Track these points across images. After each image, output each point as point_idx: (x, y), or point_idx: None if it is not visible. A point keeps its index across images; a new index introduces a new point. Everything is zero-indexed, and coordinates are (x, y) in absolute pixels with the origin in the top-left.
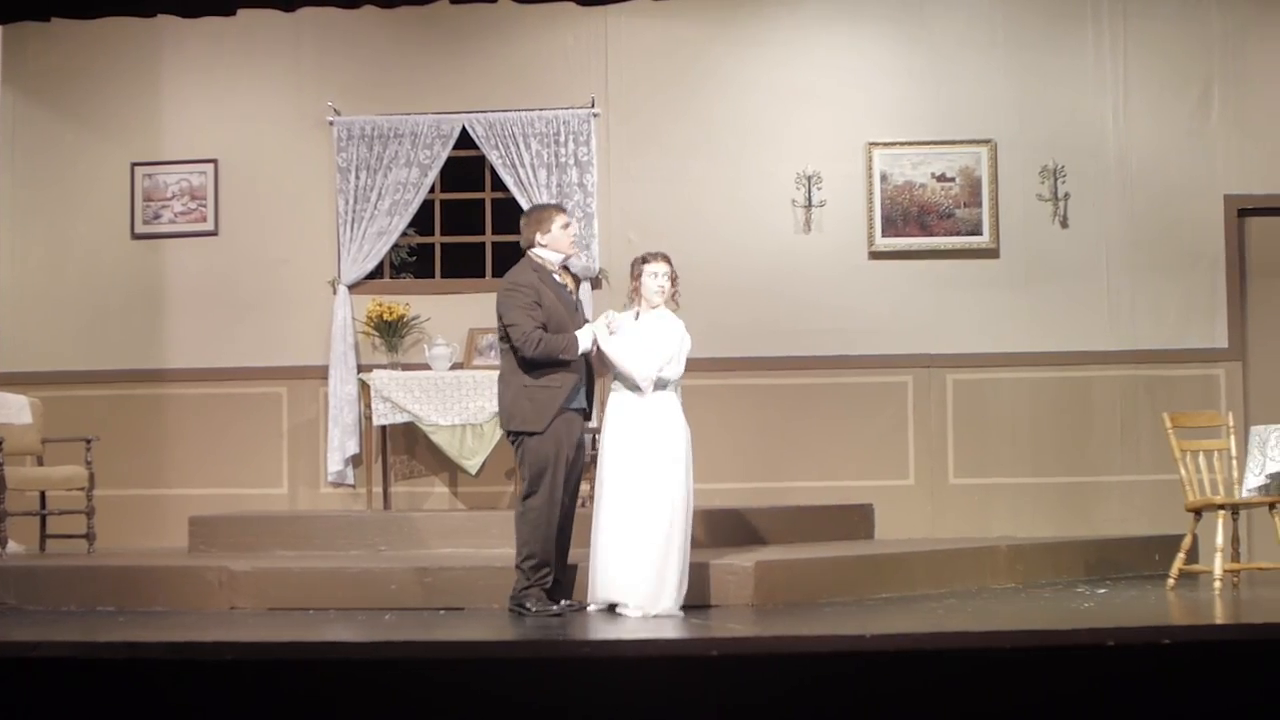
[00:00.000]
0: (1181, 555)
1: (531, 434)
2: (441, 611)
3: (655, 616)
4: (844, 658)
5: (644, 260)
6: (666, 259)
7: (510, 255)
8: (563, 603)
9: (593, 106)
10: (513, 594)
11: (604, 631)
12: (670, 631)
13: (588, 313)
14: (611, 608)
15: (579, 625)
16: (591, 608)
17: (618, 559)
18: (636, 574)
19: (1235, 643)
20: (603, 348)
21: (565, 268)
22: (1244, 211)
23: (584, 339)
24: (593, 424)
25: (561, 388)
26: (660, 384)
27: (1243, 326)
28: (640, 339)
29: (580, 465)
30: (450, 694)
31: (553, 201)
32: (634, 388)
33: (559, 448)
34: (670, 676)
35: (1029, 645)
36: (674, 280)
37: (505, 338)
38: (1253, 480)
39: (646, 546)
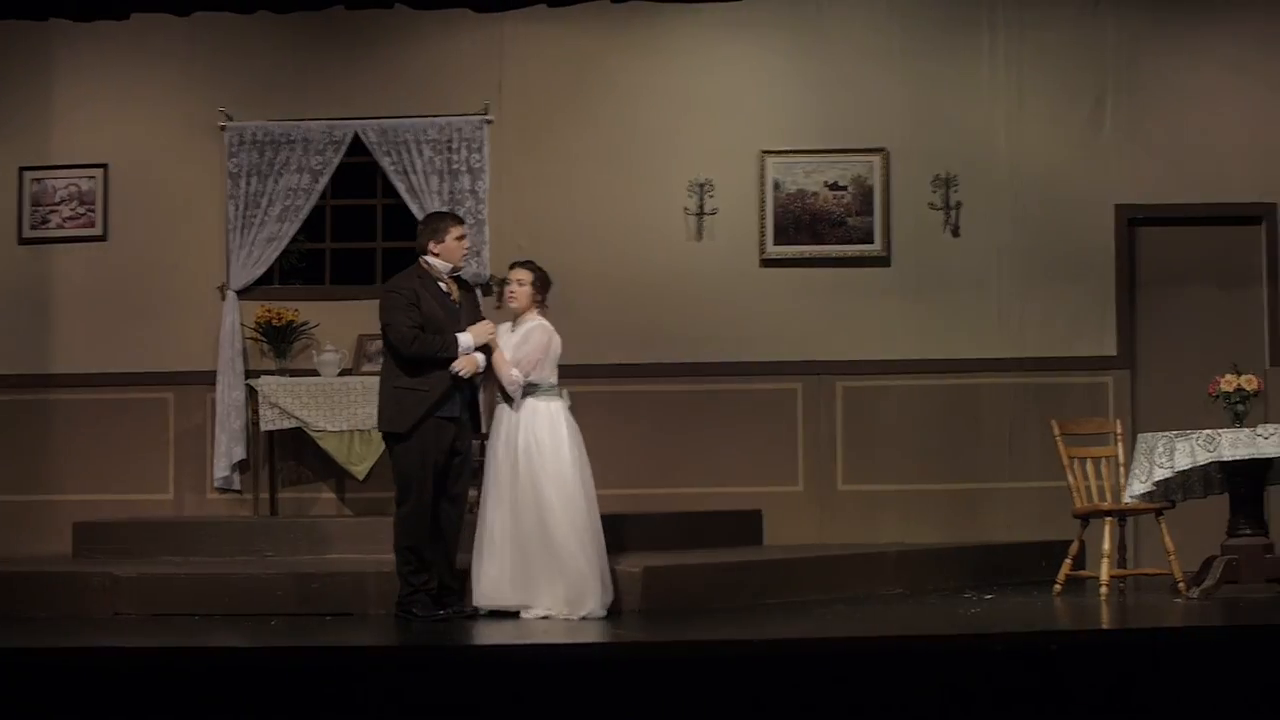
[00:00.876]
0: (1069, 561)
1: (397, 437)
2: (328, 618)
3: (582, 619)
4: (732, 663)
5: (510, 269)
6: (526, 265)
7: (401, 262)
8: (451, 609)
9: (486, 113)
10: (398, 599)
11: (490, 636)
12: (557, 636)
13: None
14: (516, 613)
15: (465, 630)
16: (480, 612)
17: (519, 563)
18: (556, 577)
19: (1121, 647)
20: (493, 352)
21: (455, 277)
22: (1134, 221)
23: (465, 340)
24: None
25: (430, 392)
26: (529, 390)
27: (1131, 335)
28: (511, 345)
29: (461, 472)
30: (336, 699)
31: (447, 210)
32: (507, 397)
33: (425, 453)
34: (557, 680)
35: (916, 650)
36: (538, 285)
37: (385, 339)
38: (1139, 487)
39: (555, 550)
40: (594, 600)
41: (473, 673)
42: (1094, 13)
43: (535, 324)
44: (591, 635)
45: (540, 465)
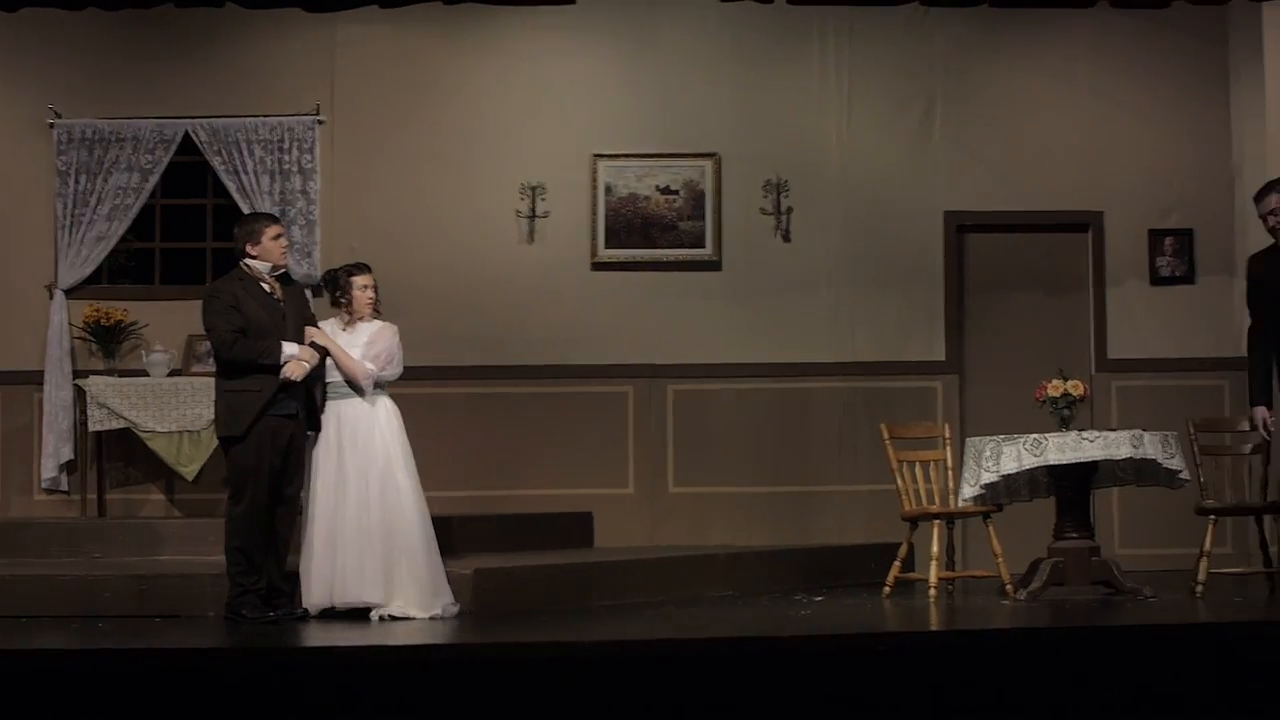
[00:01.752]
0: (897, 564)
1: (233, 439)
2: (157, 619)
3: (434, 618)
4: (563, 664)
5: (350, 273)
6: (369, 270)
7: (232, 262)
8: (281, 610)
9: (318, 113)
10: (228, 601)
11: (320, 638)
12: (389, 638)
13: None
14: (357, 613)
15: (294, 631)
16: (311, 613)
17: (365, 562)
18: (404, 576)
19: (948, 648)
20: (329, 348)
21: (279, 278)
22: (963, 228)
23: (289, 349)
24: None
25: (261, 392)
26: (380, 385)
27: (960, 340)
28: (358, 345)
29: (296, 473)
30: (163, 701)
31: (266, 211)
32: (353, 390)
33: (260, 454)
34: (387, 681)
35: (747, 651)
36: (376, 289)
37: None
38: (968, 490)
39: (408, 548)
40: (446, 598)
41: (302, 674)
42: (923, 23)
43: (383, 325)
44: (435, 636)
45: (392, 462)
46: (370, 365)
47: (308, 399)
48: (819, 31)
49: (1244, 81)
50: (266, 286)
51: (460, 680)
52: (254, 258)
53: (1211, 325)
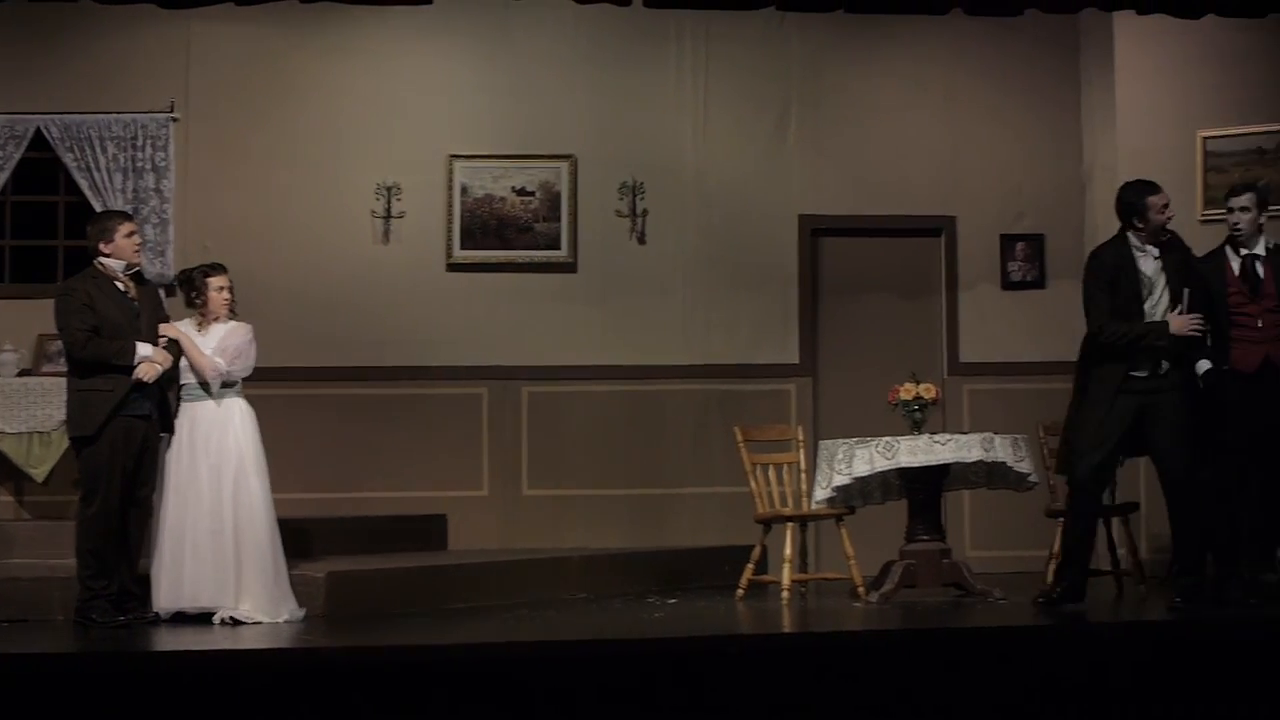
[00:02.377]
0: (751, 566)
1: (85, 439)
2: (5, 624)
3: (285, 622)
4: (415, 668)
5: (206, 274)
6: (224, 270)
7: (84, 260)
8: (133, 614)
9: (172, 111)
10: (78, 605)
11: (170, 642)
12: (241, 642)
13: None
14: (206, 616)
15: (146, 636)
16: (163, 616)
17: (213, 565)
18: (252, 580)
19: (800, 650)
20: (181, 342)
21: (133, 276)
22: (817, 231)
23: (144, 350)
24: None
25: (113, 391)
26: (229, 381)
27: (814, 343)
28: (211, 345)
29: (149, 475)
30: (10, 707)
31: (119, 208)
32: (202, 386)
33: (113, 455)
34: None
35: (598, 654)
36: (232, 290)
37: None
38: (821, 493)
39: (256, 551)
40: (291, 603)
41: (155, 680)
42: (779, 27)
43: (237, 324)
44: (286, 640)
45: (244, 464)
46: (219, 360)
47: (161, 400)
48: (676, 34)
49: (1095, 88)
50: (120, 285)
51: (313, 684)
52: (107, 256)
53: (1062, 329)
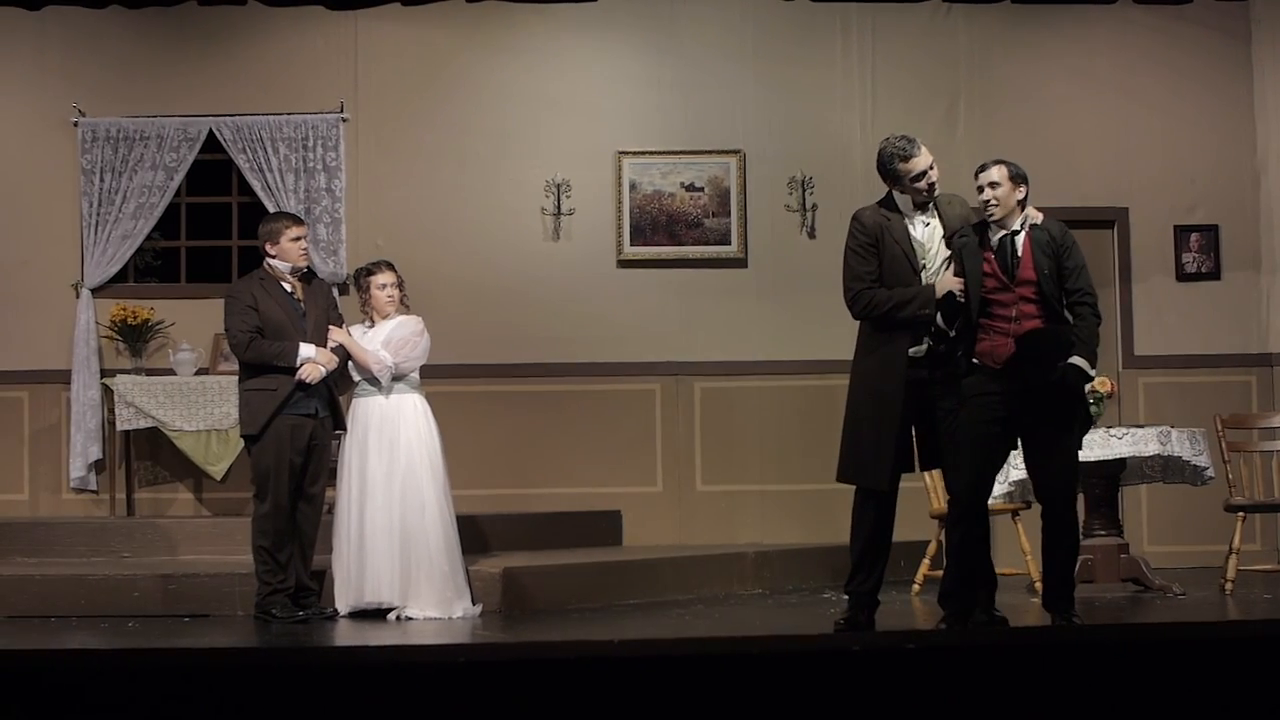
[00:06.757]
0: (926, 561)
1: (253, 438)
2: (186, 619)
3: (458, 618)
4: (592, 663)
5: (368, 273)
6: (390, 267)
7: (258, 260)
8: (310, 610)
9: (342, 111)
10: (257, 601)
11: (350, 638)
12: (418, 637)
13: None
14: (382, 613)
15: (325, 632)
16: (341, 613)
17: (387, 562)
18: (422, 577)
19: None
20: (345, 343)
21: (302, 277)
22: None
23: (306, 351)
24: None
25: (277, 390)
26: (398, 375)
27: None
28: (379, 338)
29: (320, 472)
30: (193, 703)
31: (291, 209)
32: (373, 381)
33: (279, 453)
34: (422, 681)
35: (776, 651)
36: (401, 285)
37: None
38: (997, 488)
39: (426, 549)
40: (466, 601)
41: (335, 675)
42: (945, 19)
43: (406, 317)
44: (462, 636)
45: (418, 461)
46: (384, 354)
47: (331, 398)
48: (842, 28)
49: (1268, 77)
50: (287, 286)
51: (488, 680)
52: (273, 258)
53: (1238, 321)
